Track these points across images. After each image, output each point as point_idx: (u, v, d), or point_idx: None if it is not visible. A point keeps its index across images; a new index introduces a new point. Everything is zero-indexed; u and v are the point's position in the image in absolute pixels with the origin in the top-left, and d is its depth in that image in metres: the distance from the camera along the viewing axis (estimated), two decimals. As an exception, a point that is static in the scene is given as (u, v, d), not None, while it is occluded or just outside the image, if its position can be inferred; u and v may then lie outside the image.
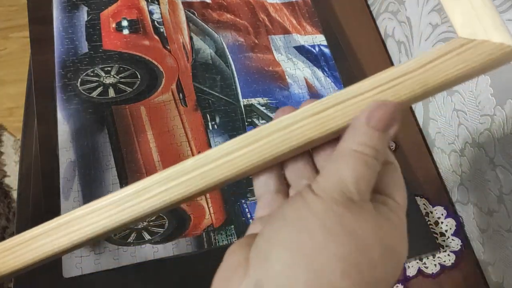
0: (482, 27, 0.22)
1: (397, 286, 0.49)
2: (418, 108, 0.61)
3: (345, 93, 0.23)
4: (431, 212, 0.54)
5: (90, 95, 0.52)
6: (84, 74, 0.53)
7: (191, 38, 0.59)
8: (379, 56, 0.66)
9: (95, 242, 0.24)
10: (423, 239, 0.50)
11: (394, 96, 0.22)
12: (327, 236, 0.19)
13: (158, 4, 0.60)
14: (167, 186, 0.24)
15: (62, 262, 0.43)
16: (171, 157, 0.50)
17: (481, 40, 0.22)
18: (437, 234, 0.53)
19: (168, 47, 0.57)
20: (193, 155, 0.51)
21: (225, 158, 0.23)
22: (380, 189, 0.23)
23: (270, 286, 0.19)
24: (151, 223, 0.46)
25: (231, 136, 0.53)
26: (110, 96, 0.52)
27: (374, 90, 0.22)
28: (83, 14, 0.57)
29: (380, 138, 0.22)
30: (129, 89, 0.53)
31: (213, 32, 0.61)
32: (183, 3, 0.62)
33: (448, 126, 0.55)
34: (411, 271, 0.50)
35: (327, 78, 0.60)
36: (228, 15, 0.62)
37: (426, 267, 0.50)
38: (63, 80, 0.52)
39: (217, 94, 0.56)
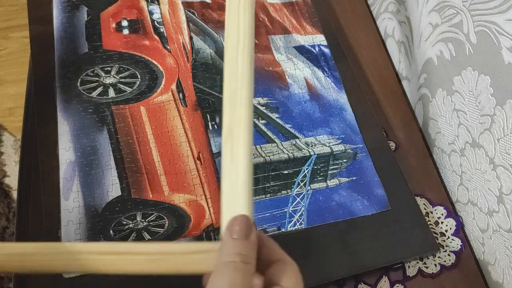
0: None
1: (397, 286, 0.49)
2: (418, 108, 0.61)
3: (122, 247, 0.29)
4: (431, 212, 0.54)
5: (90, 95, 0.52)
6: (84, 74, 0.53)
7: (191, 38, 0.59)
8: (379, 56, 0.66)
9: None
10: (423, 239, 0.50)
11: (156, 268, 0.29)
12: None
13: (158, 4, 0.60)
14: None
15: (62, 262, 0.43)
16: (171, 157, 0.50)
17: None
18: (437, 234, 0.53)
19: (168, 47, 0.57)
20: (193, 155, 0.51)
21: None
22: (272, 280, 0.27)
23: None
24: (151, 223, 0.46)
25: (231, 136, 0.53)
26: (110, 96, 0.52)
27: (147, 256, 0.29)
28: (83, 14, 0.57)
29: (244, 245, 0.26)
30: (129, 89, 0.53)
31: (213, 32, 0.61)
32: (183, 3, 0.62)
33: (448, 126, 0.55)
34: (411, 271, 0.50)
35: (327, 78, 0.60)
36: (228, 15, 0.62)
37: (426, 267, 0.50)
38: (63, 80, 0.52)
39: (217, 94, 0.56)
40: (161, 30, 0.58)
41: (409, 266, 0.50)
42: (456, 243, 0.52)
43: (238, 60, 0.32)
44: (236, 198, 0.28)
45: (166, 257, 0.28)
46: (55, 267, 0.29)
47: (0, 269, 0.29)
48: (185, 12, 0.61)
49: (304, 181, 0.52)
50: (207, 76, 0.57)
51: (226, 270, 0.25)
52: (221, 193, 0.29)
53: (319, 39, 0.63)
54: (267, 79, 0.58)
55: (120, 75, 0.54)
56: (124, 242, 0.29)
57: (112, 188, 0.47)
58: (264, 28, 0.62)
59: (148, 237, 0.46)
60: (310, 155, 0.53)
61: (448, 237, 0.52)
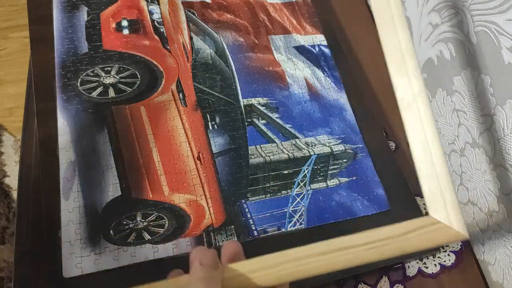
0: (447, 212, 0.27)
1: (397, 286, 0.49)
2: (418, 108, 0.61)
3: (341, 241, 0.28)
4: (431, 212, 0.54)
5: (90, 95, 0.52)
6: (84, 74, 0.53)
7: (191, 38, 0.59)
8: (379, 56, 0.66)
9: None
10: (423, 239, 0.50)
11: (377, 255, 0.28)
12: None
13: (158, 4, 0.60)
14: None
15: (62, 262, 0.43)
16: (171, 157, 0.50)
17: (445, 225, 0.27)
18: (437, 234, 0.53)
19: (168, 47, 0.57)
20: (193, 155, 0.51)
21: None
22: None
23: None
24: (151, 223, 0.46)
25: (231, 136, 0.53)
26: (110, 96, 0.52)
27: (366, 245, 0.28)
28: (83, 14, 0.57)
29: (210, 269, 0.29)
30: (129, 89, 0.53)
31: (213, 32, 0.61)
32: (183, 3, 0.62)
33: (448, 126, 0.55)
34: (411, 271, 0.50)
35: (327, 78, 0.60)
36: (228, 15, 0.62)
37: (426, 267, 0.50)
38: (63, 80, 0.52)
39: (217, 94, 0.56)
40: (161, 30, 0.58)
41: (409, 266, 0.50)
42: (456, 243, 0.52)
43: (397, 31, 0.32)
44: (431, 163, 0.29)
45: (385, 242, 0.28)
46: (282, 277, 0.28)
47: None
48: (185, 12, 0.61)
49: (304, 181, 0.52)
50: (207, 76, 0.57)
51: (193, 284, 0.28)
52: (415, 159, 0.30)
53: (319, 39, 0.63)
54: (267, 79, 0.58)
55: (120, 75, 0.54)
56: (336, 239, 0.28)
57: (112, 188, 0.47)
58: (264, 28, 0.62)
59: (148, 237, 0.46)
60: (310, 155, 0.53)
61: (448, 237, 0.52)
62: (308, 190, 0.51)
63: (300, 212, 0.50)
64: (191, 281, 0.29)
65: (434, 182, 0.28)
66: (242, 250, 0.33)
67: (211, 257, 0.30)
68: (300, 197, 0.51)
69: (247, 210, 0.49)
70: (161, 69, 0.55)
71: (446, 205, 0.28)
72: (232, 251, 0.32)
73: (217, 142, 0.52)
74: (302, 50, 0.62)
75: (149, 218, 0.47)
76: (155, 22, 0.59)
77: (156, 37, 0.58)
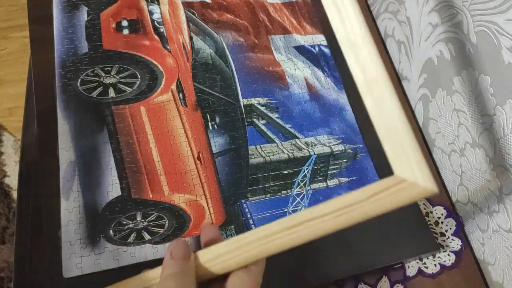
0: (411, 169, 0.27)
1: (397, 286, 0.49)
2: (418, 108, 0.61)
3: (309, 212, 0.28)
4: (431, 212, 0.54)
5: (90, 95, 0.52)
6: (84, 74, 0.53)
7: (191, 38, 0.59)
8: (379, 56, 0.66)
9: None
10: (423, 239, 0.50)
11: (347, 221, 0.28)
12: None
13: (158, 4, 0.60)
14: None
15: (62, 262, 0.43)
16: (171, 157, 0.50)
17: (411, 182, 0.27)
18: (437, 234, 0.53)
19: (168, 47, 0.57)
20: (193, 155, 0.51)
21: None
22: None
23: None
24: (151, 223, 0.46)
25: (231, 136, 0.53)
26: (110, 96, 0.52)
27: (332, 214, 0.28)
28: (83, 14, 0.57)
29: (182, 264, 0.30)
30: (129, 89, 0.53)
31: (213, 32, 0.61)
32: (183, 3, 0.62)
33: (448, 126, 0.55)
34: (411, 271, 0.50)
35: (327, 78, 0.60)
36: (228, 15, 0.62)
37: (426, 267, 0.50)
38: (63, 80, 0.52)
39: (217, 94, 0.56)
40: (161, 30, 0.58)
41: (409, 266, 0.50)
42: (456, 243, 0.52)
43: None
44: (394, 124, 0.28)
45: (354, 207, 0.28)
46: (252, 257, 0.29)
47: (204, 276, 0.30)
48: (185, 12, 0.61)
49: (304, 181, 0.52)
50: (207, 76, 0.57)
51: (165, 282, 0.29)
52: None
53: (319, 39, 0.63)
54: (267, 79, 0.58)
55: (120, 75, 0.54)
56: (303, 211, 0.28)
57: (112, 188, 0.47)
58: (264, 28, 0.62)
59: (148, 237, 0.46)
60: (310, 155, 0.53)
61: (448, 237, 0.52)
62: (308, 190, 0.51)
63: (300, 212, 0.50)
64: (162, 278, 0.29)
65: (395, 140, 0.28)
66: (221, 235, 0.33)
67: (181, 248, 0.30)
68: (300, 197, 0.51)
69: (247, 210, 0.49)
70: (161, 69, 0.55)
71: (409, 161, 0.27)
72: (210, 236, 0.33)
73: (217, 142, 0.52)
74: (302, 50, 0.62)
75: (149, 218, 0.47)
76: (155, 22, 0.59)
77: (156, 37, 0.58)
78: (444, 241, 0.52)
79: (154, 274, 0.31)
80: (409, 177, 0.27)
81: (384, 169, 0.54)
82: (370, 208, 0.27)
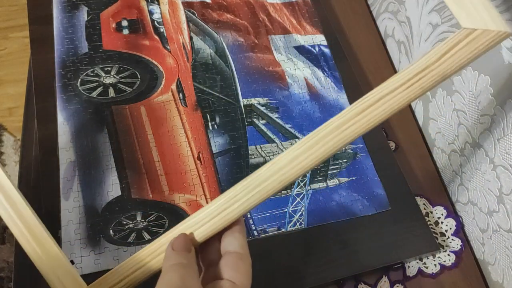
0: (480, 17, 0.25)
1: (397, 286, 0.49)
2: (418, 108, 0.61)
3: (379, 91, 0.27)
4: (431, 212, 0.54)
5: (90, 95, 0.52)
6: (84, 74, 0.53)
7: (191, 38, 0.59)
8: (379, 56, 0.66)
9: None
10: (423, 239, 0.50)
11: (422, 89, 0.26)
12: None
13: (158, 4, 0.60)
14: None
15: (62, 262, 0.43)
16: (171, 157, 0.50)
17: (482, 30, 0.25)
18: (437, 234, 0.53)
19: (168, 47, 0.57)
20: (193, 155, 0.51)
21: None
22: (220, 275, 0.30)
23: None
24: (151, 223, 0.46)
25: (231, 136, 0.53)
26: (110, 96, 0.52)
27: (403, 85, 0.26)
28: (83, 14, 0.57)
29: (183, 255, 0.30)
30: (129, 89, 0.53)
31: (213, 32, 0.61)
32: (183, 3, 0.62)
33: (448, 126, 0.55)
34: (411, 271, 0.50)
35: (327, 78, 0.60)
36: (228, 15, 0.62)
37: (426, 267, 0.50)
38: (63, 80, 0.52)
39: (217, 94, 0.56)
40: (161, 30, 0.58)
41: (409, 266, 0.50)
42: (456, 243, 0.52)
43: None
44: None
45: (424, 73, 0.26)
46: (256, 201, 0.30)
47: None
48: (185, 12, 0.61)
49: (304, 181, 0.52)
50: (207, 76, 0.57)
51: (167, 273, 0.29)
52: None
53: (319, 39, 0.63)
54: (267, 79, 0.58)
55: (120, 75, 0.54)
56: (370, 92, 0.28)
57: (112, 188, 0.47)
58: (264, 28, 0.62)
59: (148, 237, 0.46)
60: (310, 155, 0.53)
61: (448, 237, 0.52)
62: (308, 190, 0.51)
63: (300, 212, 0.50)
64: (164, 269, 0.30)
65: None
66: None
67: (182, 240, 0.31)
68: (300, 197, 0.51)
69: (247, 210, 0.49)
70: (161, 69, 0.55)
71: (476, 8, 0.25)
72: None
73: (217, 142, 0.52)
74: (302, 50, 0.62)
75: (149, 218, 0.47)
76: (155, 22, 0.59)
77: (156, 37, 0.58)
78: (444, 241, 0.52)
79: (146, 253, 0.32)
80: (479, 25, 0.25)
81: (384, 169, 0.54)
82: (444, 67, 0.25)
